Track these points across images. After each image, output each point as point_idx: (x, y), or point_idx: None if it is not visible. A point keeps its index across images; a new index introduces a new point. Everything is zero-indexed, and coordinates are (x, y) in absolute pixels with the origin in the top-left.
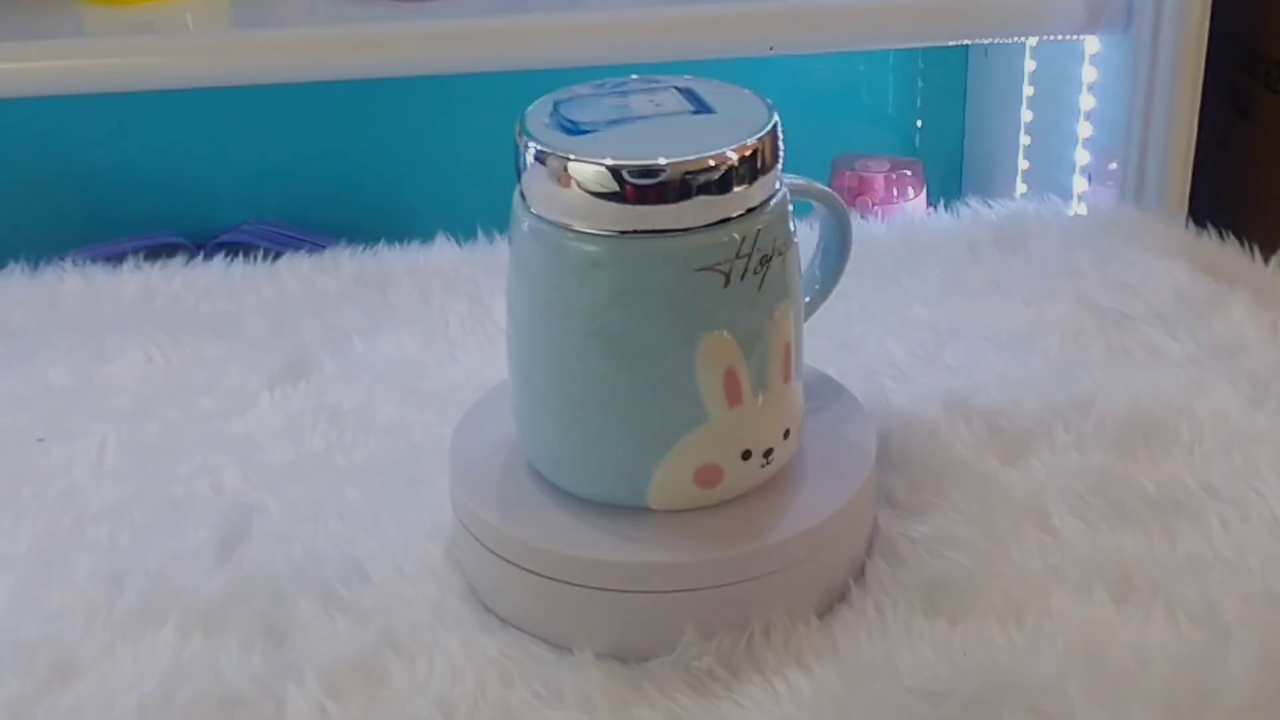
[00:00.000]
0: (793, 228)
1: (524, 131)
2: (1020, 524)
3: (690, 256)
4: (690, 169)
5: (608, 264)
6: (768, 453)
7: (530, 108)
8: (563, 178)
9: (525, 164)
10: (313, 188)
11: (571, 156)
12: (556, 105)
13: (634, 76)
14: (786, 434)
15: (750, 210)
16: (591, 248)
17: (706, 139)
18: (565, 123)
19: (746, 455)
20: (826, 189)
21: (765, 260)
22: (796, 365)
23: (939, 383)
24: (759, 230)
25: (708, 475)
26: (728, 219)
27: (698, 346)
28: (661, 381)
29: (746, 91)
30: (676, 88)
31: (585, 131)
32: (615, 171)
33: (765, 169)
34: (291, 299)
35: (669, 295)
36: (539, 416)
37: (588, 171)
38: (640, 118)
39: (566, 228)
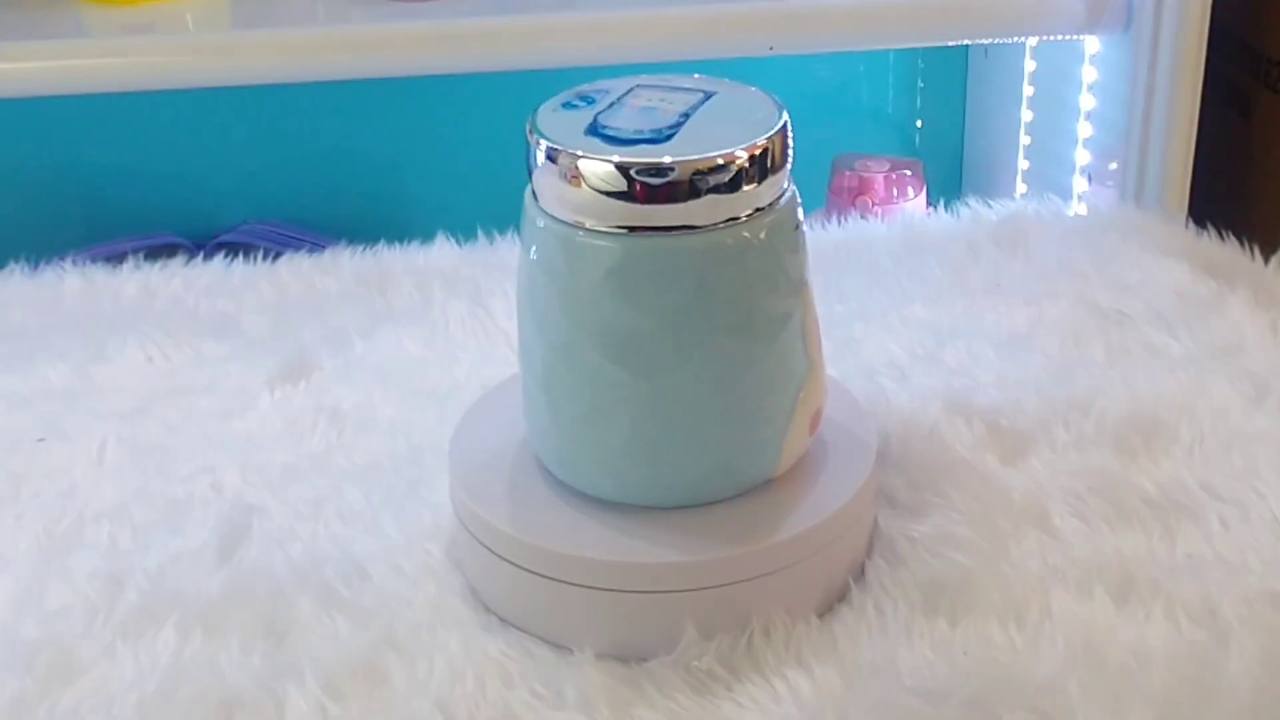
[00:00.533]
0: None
1: (535, 129)
2: (1020, 524)
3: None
4: (700, 168)
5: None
6: (819, 412)
7: (542, 106)
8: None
9: (536, 162)
10: (313, 188)
11: (580, 154)
12: (597, 119)
13: (643, 77)
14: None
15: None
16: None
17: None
18: (608, 130)
19: (819, 413)
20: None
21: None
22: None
23: (939, 382)
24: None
25: (818, 418)
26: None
27: (802, 301)
28: (779, 348)
29: (755, 90)
30: (688, 88)
31: (637, 141)
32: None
33: (775, 168)
34: (291, 299)
35: (777, 265)
36: (602, 432)
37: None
38: (679, 119)
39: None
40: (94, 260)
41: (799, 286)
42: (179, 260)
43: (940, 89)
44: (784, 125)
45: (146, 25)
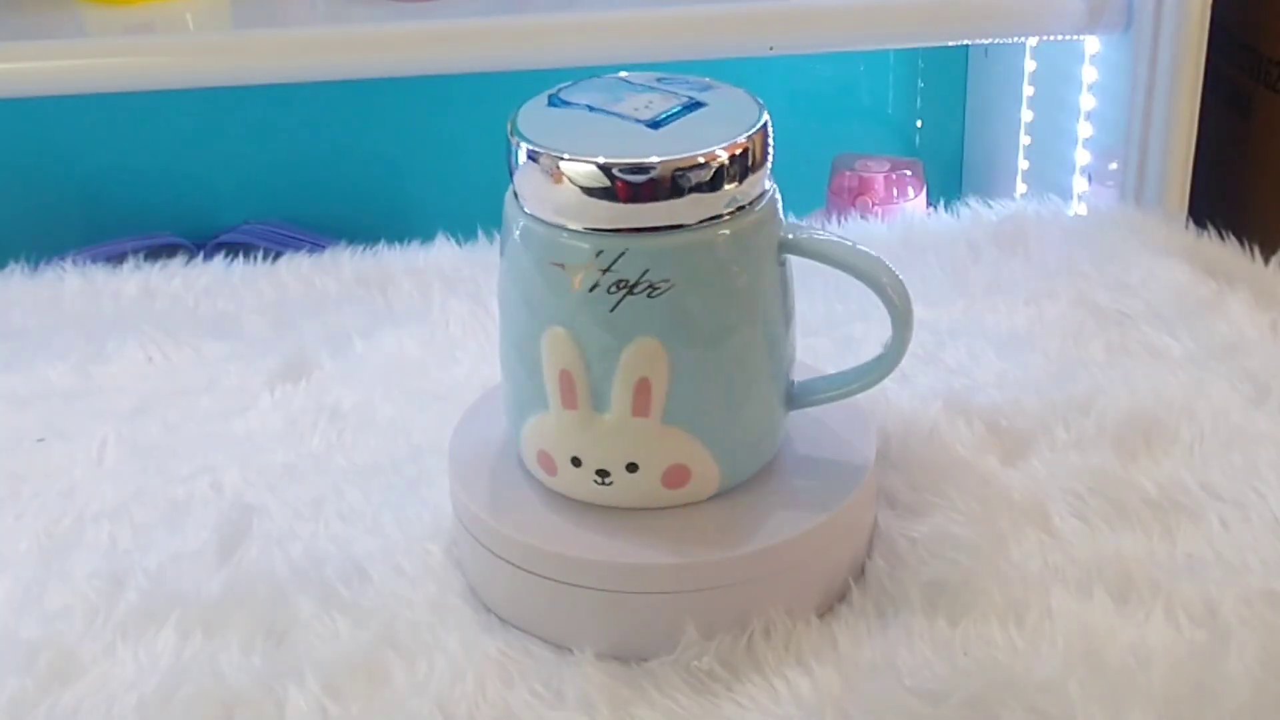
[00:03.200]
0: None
1: (515, 131)
2: (1020, 524)
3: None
4: (681, 166)
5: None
6: (602, 473)
7: (522, 107)
8: (555, 174)
9: (517, 162)
10: (312, 188)
11: (565, 155)
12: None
13: (623, 74)
14: (632, 467)
15: (740, 208)
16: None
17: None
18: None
19: (576, 461)
20: (885, 279)
21: (627, 286)
22: (668, 406)
23: (939, 382)
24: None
25: (544, 460)
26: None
27: (539, 339)
28: (521, 362)
29: (739, 90)
30: (666, 88)
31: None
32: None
33: (755, 167)
34: (291, 299)
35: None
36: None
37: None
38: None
39: (561, 226)
40: (94, 260)
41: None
42: (179, 260)
43: (940, 89)
44: (764, 124)
45: (147, 26)
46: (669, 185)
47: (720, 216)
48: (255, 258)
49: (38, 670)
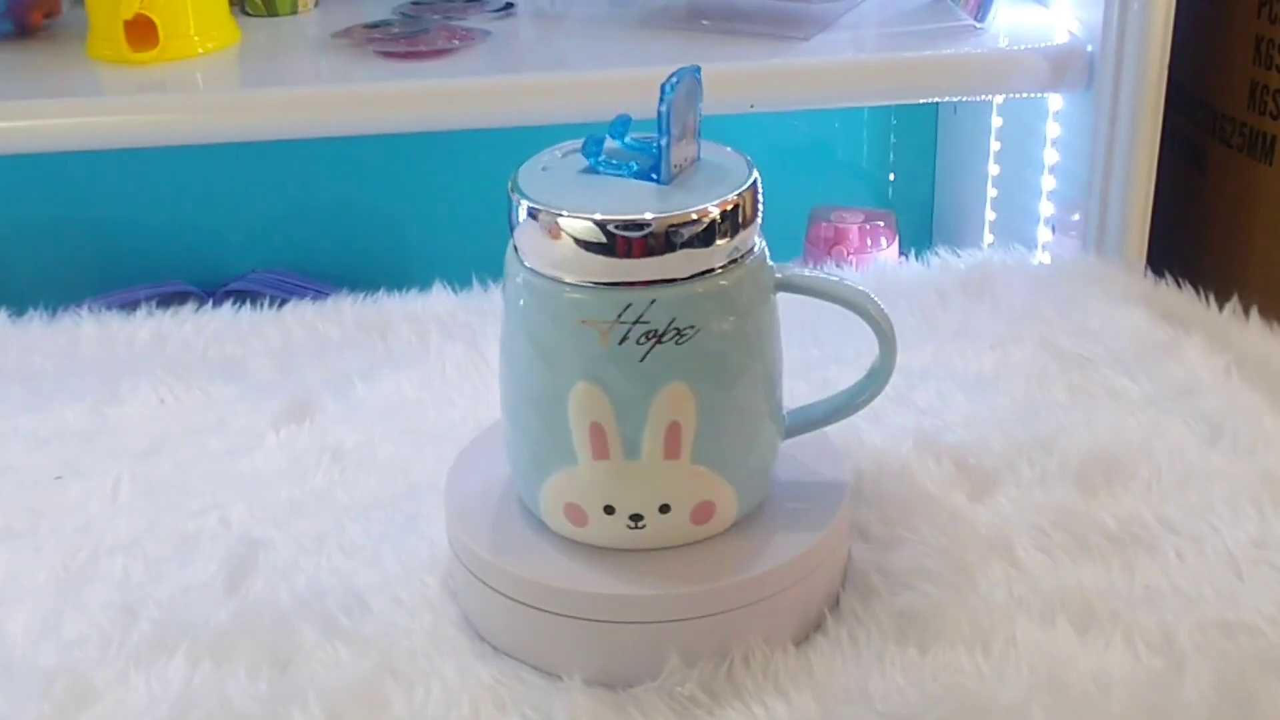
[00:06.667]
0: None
1: (516, 188)
2: (987, 557)
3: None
4: (674, 223)
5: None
6: (635, 517)
7: (523, 166)
8: (553, 230)
9: (518, 219)
10: (316, 238)
11: (564, 212)
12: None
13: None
14: (665, 509)
15: (733, 261)
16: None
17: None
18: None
19: (609, 510)
20: (870, 306)
21: (656, 336)
22: (695, 446)
23: (910, 422)
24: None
25: (573, 512)
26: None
27: (568, 394)
28: (540, 419)
29: (727, 149)
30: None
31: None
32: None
33: (746, 223)
34: (296, 344)
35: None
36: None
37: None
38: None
39: (558, 279)
40: (109, 307)
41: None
42: (189, 307)
43: (912, 144)
44: (754, 181)
45: (159, 84)
46: (701, 235)
47: (736, 261)
48: (262, 305)
49: (55, 696)
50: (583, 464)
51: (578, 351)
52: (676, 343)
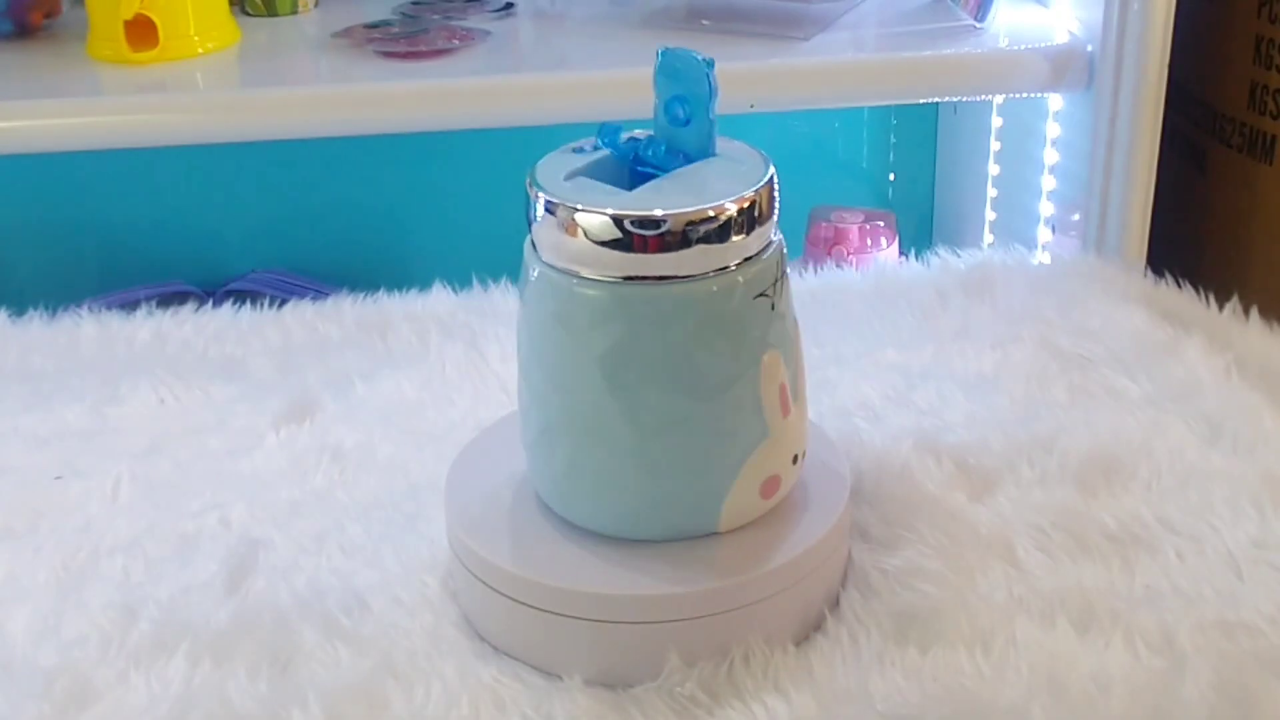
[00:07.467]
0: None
1: (534, 183)
2: (987, 557)
3: (745, 287)
4: (691, 219)
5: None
6: (799, 455)
7: (541, 161)
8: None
9: (536, 215)
10: (316, 238)
11: (579, 207)
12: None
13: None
14: (795, 458)
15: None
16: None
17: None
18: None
19: (795, 459)
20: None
21: (782, 283)
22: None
23: (910, 423)
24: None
25: (770, 486)
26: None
27: (759, 367)
28: (729, 406)
29: (743, 145)
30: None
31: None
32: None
33: (762, 219)
34: (296, 344)
35: (733, 323)
36: (585, 467)
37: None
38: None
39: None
40: (109, 307)
41: (787, 333)
42: (189, 307)
43: (912, 144)
44: (770, 178)
45: (159, 85)
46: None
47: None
48: (262, 305)
49: (55, 696)
50: (774, 429)
51: (759, 328)
52: (773, 307)
